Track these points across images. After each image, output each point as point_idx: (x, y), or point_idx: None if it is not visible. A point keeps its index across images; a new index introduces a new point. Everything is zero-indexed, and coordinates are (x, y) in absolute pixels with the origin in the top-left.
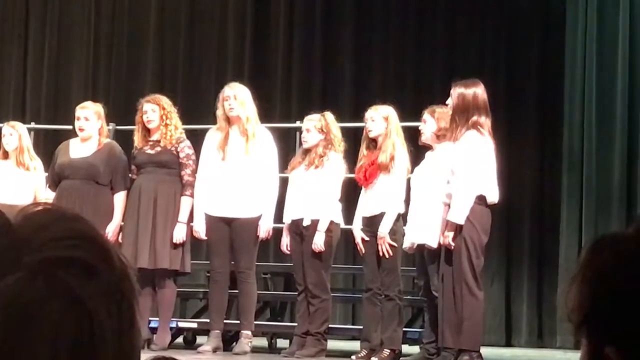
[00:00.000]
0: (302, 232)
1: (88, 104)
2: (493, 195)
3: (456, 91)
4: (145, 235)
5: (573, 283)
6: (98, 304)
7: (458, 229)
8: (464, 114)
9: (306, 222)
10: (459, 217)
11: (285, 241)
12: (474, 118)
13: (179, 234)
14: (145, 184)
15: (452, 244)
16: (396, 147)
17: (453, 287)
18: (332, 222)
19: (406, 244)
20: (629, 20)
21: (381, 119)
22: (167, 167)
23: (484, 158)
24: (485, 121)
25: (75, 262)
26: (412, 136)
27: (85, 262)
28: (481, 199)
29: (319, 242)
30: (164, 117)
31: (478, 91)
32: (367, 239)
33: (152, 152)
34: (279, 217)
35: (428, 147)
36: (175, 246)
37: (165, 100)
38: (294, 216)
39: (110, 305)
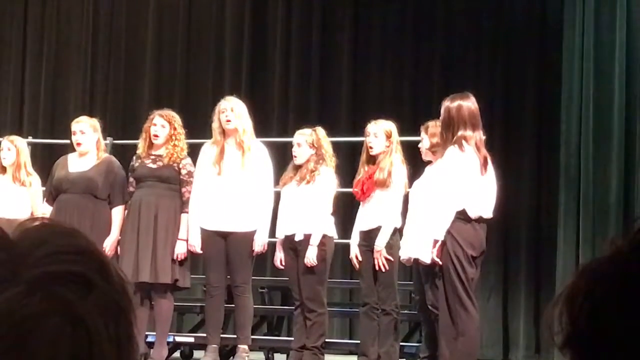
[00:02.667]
0: (296, 247)
1: (83, 118)
2: (477, 210)
3: (442, 106)
4: (146, 249)
5: (554, 307)
6: (96, 319)
7: (441, 245)
8: (449, 129)
9: (299, 237)
10: (437, 233)
11: (279, 256)
12: (459, 133)
13: (180, 251)
14: (146, 199)
15: (437, 259)
16: (394, 163)
17: (447, 302)
18: (325, 236)
19: (402, 255)
20: (626, 37)
21: (383, 136)
22: (168, 183)
23: (464, 173)
24: (472, 135)
25: (73, 277)
26: (409, 151)
27: (83, 276)
28: (462, 214)
29: (311, 256)
30: (173, 137)
31: (463, 104)
32: (360, 258)
33: (153, 166)
34: (273, 231)
35: (428, 162)
36: (175, 262)
37: (178, 121)
38: (287, 232)
39: (108, 320)
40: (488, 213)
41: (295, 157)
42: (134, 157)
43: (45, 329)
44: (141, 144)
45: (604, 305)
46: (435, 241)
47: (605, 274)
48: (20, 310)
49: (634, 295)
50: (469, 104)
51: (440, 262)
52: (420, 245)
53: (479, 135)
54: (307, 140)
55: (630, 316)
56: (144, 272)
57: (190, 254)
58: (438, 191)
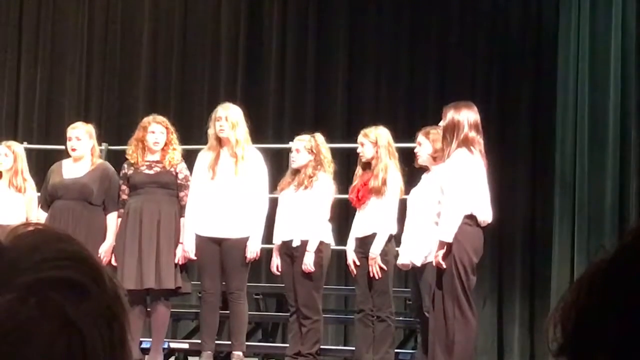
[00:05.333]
0: (292, 253)
1: (79, 124)
2: (484, 215)
3: (447, 112)
4: (150, 256)
5: (551, 317)
6: (90, 325)
7: (448, 248)
8: (453, 132)
9: (295, 243)
10: (447, 235)
11: (276, 262)
12: (465, 135)
13: (179, 255)
14: (148, 205)
15: (442, 263)
16: (389, 170)
17: (444, 308)
18: (322, 243)
19: (400, 260)
20: (621, 44)
21: (370, 144)
22: (168, 188)
23: (474, 177)
24: (477, 139)
25: (67, 283)
26: (405, 157)
27: (77, 282)
28: (471, 218)
29: (308, 262)
30: (172, 142)
31: (469, 112)
32: (358, 263)
33: (150, 172)
34: (269, 238)
35: (425, 169)
36: (177, 267)
37: (169, 124)
38: (283, 237)
39: (102, 326)
40: (490, 218)
41: (293, 162)
42: (125, 165)
43: (39, 335)
44: (136, 153)
45: (587, 312)
46: (442, 243)
47: (589, 281)
48: (14, 317)
49: (615, 299)
50: (473, 112)
51: (444, 266)
52: (418, 250)
53: (482, 142)
54: (305, 146)
55: (612, 321)
56: (148, 279)
57: (186, 259)
58: (447, 193)
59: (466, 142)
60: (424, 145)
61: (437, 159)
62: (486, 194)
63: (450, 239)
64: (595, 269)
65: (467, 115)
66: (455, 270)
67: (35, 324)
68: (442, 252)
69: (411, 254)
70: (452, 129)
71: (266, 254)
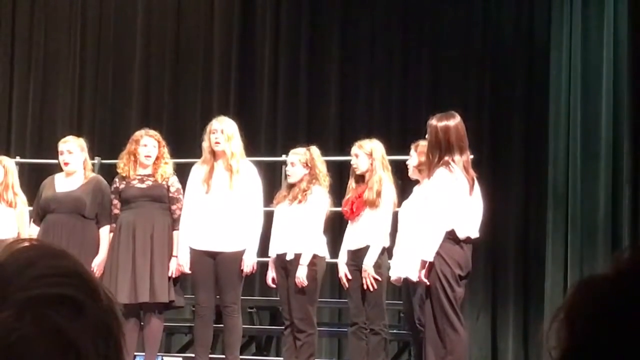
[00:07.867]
0: (286, 266)
1: (70, 138)
2: (465, 231)
3: (429, 126)
4: (144, 270)
5: (554, 321)
6: (85, 341)
7: (429, 266)
8: (436, 150)
9: (289, 257)
10: (426, 254)
11: (271, 275)
12: (446, 155)
13: (173, 268)
14: (141, 219)
15: (425, 280)
16: (383, 182)
17: (435, 321)
18: (316, 256)
19: (393, 275)
20: (613, 55)
21: (365, 156)
22: (160, 202)
23: (453, 195)
24: (459, 156)
25: (63, 300)
26: (398, 170)
27: (72, 299)
28: (451, 234)
29: (301, 275)
30: (163, 155)
31: (450, 125)
32: (350, 276)
33: (142, 185)
34: (264, 251)
35: (416, 181)
36: (170, 280)
37: (161, 138)
38: (278, 250)
39: (98, 342)
40: (475, 233)
41: (288, 176)
42: (117, 179)
43: (35, 352)
44: (128, 166)
45: (602, 324)
46: (424, 262)
47: (605, 293)
48: (10, 334)
49: (632, 315)
50: (454, 123)
51: (428, 283)
52: (409, 264)
53: (466, 157)
54: (300, 160)
55: (627, 336)
56: (142, 293)
57: (180, 273)
58: (427, 212)
59: (446, 161)
60: (412, 158)
61: (422, 171)
62: (468, 210)
63: (429, 258)
64: (612, 278)
65: (447, 129)
66: (439, 284)
67: (31, 341)
68: (424, 271)
69: (405, 269)
70: (433, 147)
71: (260, 268)
